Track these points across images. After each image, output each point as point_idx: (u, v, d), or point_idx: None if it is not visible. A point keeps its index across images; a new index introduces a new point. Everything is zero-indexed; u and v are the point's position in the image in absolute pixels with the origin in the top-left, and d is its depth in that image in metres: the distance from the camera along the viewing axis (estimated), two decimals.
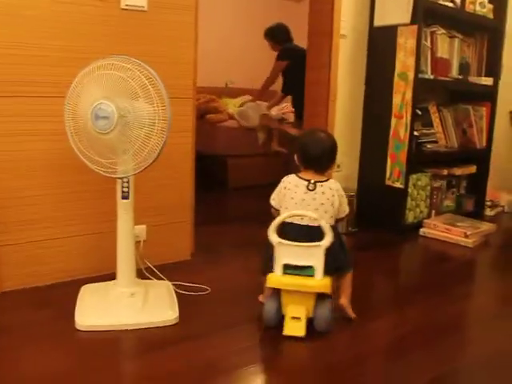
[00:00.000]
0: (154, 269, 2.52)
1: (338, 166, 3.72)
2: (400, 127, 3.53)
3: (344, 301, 2.25)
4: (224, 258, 2.95)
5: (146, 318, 2.10)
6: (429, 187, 3.82)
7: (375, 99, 3.71)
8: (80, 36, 2.36)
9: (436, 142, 3.87)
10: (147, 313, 2.13)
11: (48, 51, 2.30)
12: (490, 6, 3.95)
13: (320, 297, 2.10)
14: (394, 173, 3.59)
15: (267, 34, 4.94)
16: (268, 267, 2.13)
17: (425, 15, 3.46)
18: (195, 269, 2.74)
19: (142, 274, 2.41)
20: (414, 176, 3.66)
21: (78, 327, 2.03)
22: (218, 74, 6.06)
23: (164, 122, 1.96)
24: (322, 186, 2.18)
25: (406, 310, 2.43)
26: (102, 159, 2.00)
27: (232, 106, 5.79)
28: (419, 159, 3.67)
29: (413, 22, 3.41)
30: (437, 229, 3.59)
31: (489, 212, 4.33)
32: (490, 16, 3.97)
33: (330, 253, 2.08)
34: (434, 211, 3.89)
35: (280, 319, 2.12)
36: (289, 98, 5.12)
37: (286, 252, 2.07)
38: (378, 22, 3.63)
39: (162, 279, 2.46)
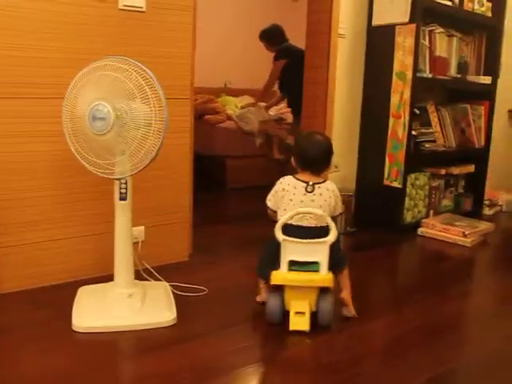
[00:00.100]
0: (152, 270, 2.52)
1: (336, 167, 3.71)
2: (398, 127, 3.53)
3: (345, 294, 2.29)
4: (222, 259, 2.95)
5: (144, 319, 2.10)
6: (427, 187, 3.82)
7: (373, 99, 3.71)
8: (79, 37, 2.36)
9: (434, 141, 3.86)
10: (145, 314, 2.13)
11: (48, 53, 2.30)
12: (489, 5, 3.95)
13: (322, 291, 2.15)
14: (392, 172, 3.59)
15: (262, 35, 4.95)
16: (265, 270, 2.19)
17: (423, 14, 3.46)
18: (193, 269, 2.74)
19: (139, 275, 2.41)
20: (412, 175, 3.66)
21: (75, 329, 2.03)
22: (217, 75, 6.06)
23: (161, 123, 1.96)
24: (319, 187, 2.21)
25: (404, 310, 2.44)
26: (100, 160, 2.00)
27: (232, 105, 5.78)
28: (417, 159, 3.67)
29: (411, 20, 3.41)
30: (435, 228, 3.59)
31: (487, 211, 4.34)
32: (489, 14, 3.98)
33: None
34: (432, 211, 3.89)
35: (283, 315, 2.15)
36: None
37: (292, 249, 2.12)
38: (376, 21, 3.63)
39: (160, 280, 2.46)
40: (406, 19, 3.43)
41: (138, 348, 2.00)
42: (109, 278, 2.24)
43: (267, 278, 2.19)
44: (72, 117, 2.02)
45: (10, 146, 2.28)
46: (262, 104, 5.34)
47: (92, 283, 2.38)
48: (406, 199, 3.63)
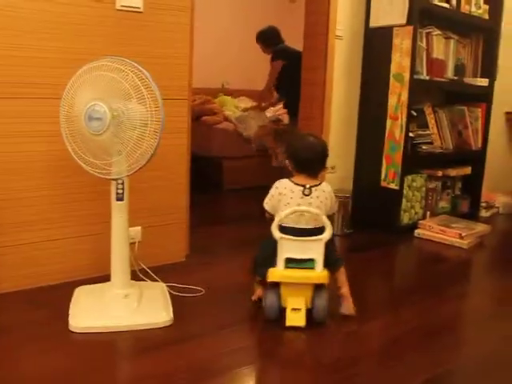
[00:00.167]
0: (149, 270, 2.51)
1: (333, 168, 3.72)
2: (395, 128, 3.53)
3: (345, 290, 2.32)
4: (218, 260, 2.95)
5: (140, 320, 2.10)
6: (424, 188, 3.82)
7: (371, 100, 3.72)
8: (77, 37, 2.36)
9: (431, 143, 3.87)
10: (141, 314, 2.13)
11: (47, 53, 2.30)
12: (486, 7, 3.96)
13: (317, 288, 2.19)
14: (389, 174, 3.60)
15: (259, 37, 4.96)
16: (261, 267, 2.24)
17: (420, 16, 3.47)
18: (189, 270, 2.74)
19: (136, 276, 2.41)
20: (409, 177, 3.67)
21: (71, 329, 2.03)
22: (215, 76, 6.06)
23: (157, 123, 1.97)
24: (316, 190, 2.24)
25: (401, 311, 2.44)
26: (97, 160, 2.00)
27: (230, 105, 5.76)
28: (414, 160, 3.68)
29: (408, 22, 3.42)
30: (432, 230, 3.59)
31: (484, 213, 4.34)
32: (486, 17, 3.99)
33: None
34: (429, 212, 3.89)
35: (280, 312, 2.19)
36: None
37: (288, 247, 2.17)
38: (373, 23, 3.64)
39: (157, 281, 2.45)
40: (404, 21, 3.44)
41: (135, 348, 2.00)
42: (105, 278, 2.24)
43: (263, 276, 2.23)
44: (69, 117, 2.03)
45: (9, 146, 2.28)
46: (264, 113, 5.32)
47: (89, 283, 2.38)
48: (403, 201, 3.63)
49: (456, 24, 3.91)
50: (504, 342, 2.20)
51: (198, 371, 1.83)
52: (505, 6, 4.09)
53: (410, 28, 3.41)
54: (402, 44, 3.46)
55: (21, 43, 2.24)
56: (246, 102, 5.92)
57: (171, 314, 2.15)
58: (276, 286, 2.19)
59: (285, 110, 5.07)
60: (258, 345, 2.12)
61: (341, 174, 3.79)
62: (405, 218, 3.69)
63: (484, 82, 4.06)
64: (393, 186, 3.58)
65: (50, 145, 2.34)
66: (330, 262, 2.23)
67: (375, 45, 3.66)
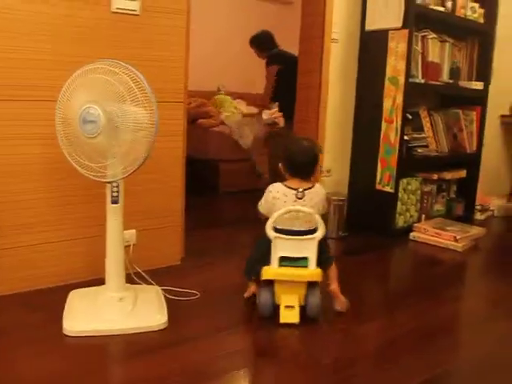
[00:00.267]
0: (144, 273, 2.51)
1: (329, 171, 3.73)
2: (390, 132, 3.54)
3: (334, 286, 2.37)
4: (214, 263, 2.95)
5: (135, 323, 2.09)
6: (419, 191, 3.83)
7: (366, 104, 3.72)
8: (73, 40, 2.36)
9: (426, 146, 3.88)
10: (136, 317, 2.12)
11: (44, 55, 2.30)
12: (481, 11, 3.97)
13: (310, 286, 2.25)
14: (384, 177, 3.60)
15: (253, 41, 4.94)
16: (255, 266, 2.30)
17: (416, 19, 3.48)
18: (185, 273, 2.73)
19: (131, 279, 2.40)
20: (405, 180, 3.67)
21: (66, 333, 2.02)
22: (211, 78, 6.05)
23: (152, 126, 1.96)
24: (309, 192, 2.29)
25: (397, 314, 2.44)
26: (92, 163, 2.00)
27: (229, 106, 5.69)
28: (409, 164, 3.68)
29: (404, 26, 3.43)
30: (427, 233, 3.60)
31: (479, 216, 4.36)
32: (481, 20, 3.99)
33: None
34: (424, 215, 3.90)
35: (274, 309, 2.23)
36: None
37: (282, 246, 2.23)
38: (369, 26, 3.64)
39: (152, 284, 2.45)
40: (399, 24, 3.45)
41: (129, 352, 1.99)
42: (100, 281, 2.23)
43: (257, 275, 2.27)
44: (64, 119, 2.02)
45: (6, 149, 2.28)
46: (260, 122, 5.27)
47: (83, 286, 2.37)
48: (398, 204, 3.64)
49: (451, 27, 3.92)
50: (499, 344, 2.21)
51: (193, 374, 1.83)
52: (500, 10, 4.09)
53: (406, 31, 3.42)
54: (397, 47, 3.47)
55: (17, 45, 2.24)
56: (241, 105, 5.90)
57: (166, 317, 2.15)
58: (270, 283, 2.24)
59: (280, 114, 5.06)
60: (253, 347, 2.12)
61: (336, 177, 3.80)
62: (400, 221, 3.70)
63: (479, 85, 4.07)
64: (388, 189, 3.59)
65: (46, 147, 2.33)
66: (321, 260, 2.28)
67: (371, 48, 3.66)
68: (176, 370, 1.84)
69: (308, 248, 2.23)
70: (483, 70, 4.17)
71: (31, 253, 2.40)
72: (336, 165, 3.78)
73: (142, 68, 2.01)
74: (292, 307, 2.21)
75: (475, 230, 3.70)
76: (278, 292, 2.24)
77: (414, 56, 3.62)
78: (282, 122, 5.05)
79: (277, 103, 5.07)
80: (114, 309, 2.14)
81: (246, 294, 2.43)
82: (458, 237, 3.46)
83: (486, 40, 4.13)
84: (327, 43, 3.56)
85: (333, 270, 2.39)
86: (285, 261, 2.23)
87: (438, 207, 4.10)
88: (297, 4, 4.03)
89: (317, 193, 2.32)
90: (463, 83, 4.05)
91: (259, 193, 2.40)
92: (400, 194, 3.64)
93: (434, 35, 3.81)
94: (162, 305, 2.25)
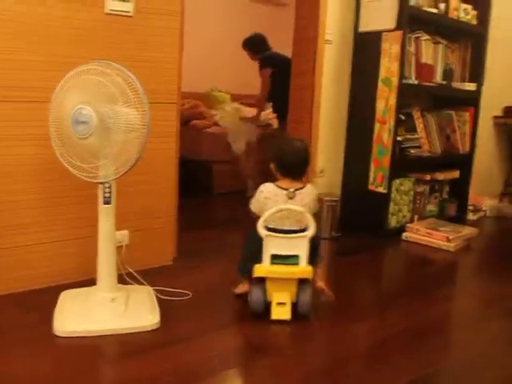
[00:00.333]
0: (136, 274, 2.51)
1: (322, 172, 3.74)
2: (383, 132, 3.55)
3: (321, 283, 2.43)
4: (206, 263, 2.95)
5: (127, 323, 2.10)
6: (412, 192, 3.85)
7: (359, 104, 3.73)
8: (67, 41, 2.36)
9: (419, 147, 3.89)
10: (128, 318, 2.13)
11: (37, 56, 2.30)
12: (474, 13, 3.99)
13: (301, 283, 2.28)
14: (377, 178, 3.61)
15: (245, 44, 4.96)
16: (247, 265, 2.34)
17: (409, 21, 3.49)
18: (177, 274, 2.74)
19: (123, 280, 2.40)
20: (397, 181, 3.69)
21: (56, 333, 2.02)
22: (205, 80, 6.05)
23: (143, 127, 1.97)
24: (300, 193, 2.33)
25: (388, 314, 2.45)
26: (84, 164, 2.00)
27: (223, 100, 5.62)
28: (402, 164, 3.70)
29: (397, 27, 3.44)
30: (419, 233, 3.61)
31: (471, 216, 4.37)
32: (474, 22, 4.01)
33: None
34: (416, 216, 3.92)
35: (265, 306, 2.26)
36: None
37: (274, 244, 2.26)
38: (362, 28, 3.65)
39: (144, 284, 2.45)
40: (393, 26, 3.46)
41: (121, 352, 2.00)
42: (92, 281, 2.23)
43: (249, 273, 2.31)
44: (57, 120, 2.03)
45: (1, 150, 2.28)
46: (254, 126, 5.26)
47: (76, 287, 2.37)
48: (391, 204, 3.65)
49: (445, 29, 3.94)
50: (491, 343, 2.22)
51: (185, 374, 1.83)
52: (493, 12, 4.11)
53: (399, 33, 3.43)
54: (390, 49, 3.48)
55: (13, 47, 2.24)
56: (241, 109, 5.85)
57: (158, 318, 2.15)
58: (262, 281, 2.28)
59: (274, 115, 5.08)
60: (244, 347, 2.12)
61: (329, 177, 3.81)
62: (393, 222, 3.71)
63: (472, 86, 4.09)
64: (381, 189, 3.60)
65: (39, 148, 2.33)
66: (311, 258, 2.31)
67: (364, 49, 3.67)
68: (168, 370, 1.85)
69: (299, 246, 2.27)
70: (476, 72, 4.19)
71: (26, 253, 2.40)
72: (329, 165, 3.79)
73: (136, 69, 2.02)
74: (284, 304, 2.25)
75: (467, 231, 3.72)
76: (269, 289, 2.27)
77: (408, 57, 3.63)
78: (275, 123, 5.08)
79: (270, 104, 5.10)
80: (105, 309, 2.15)
81: (237, 290, 2.45)
82: (450, 237, 3.48)
83: (479, 41, 4.15)
84: (321, 44, 3.57)
85: (319, 269, 2.43)
86: (276, 259, 2.26)
87: (431, 207, 4.12)
88: (291, 6, 4.04)
89: (308, 193, 2.36)
90: (456, 84, 4.07)
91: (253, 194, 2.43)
92: (393, 195, 3.65)
93: (428, 37, 3.83)
94: (154, 305, 2.25)
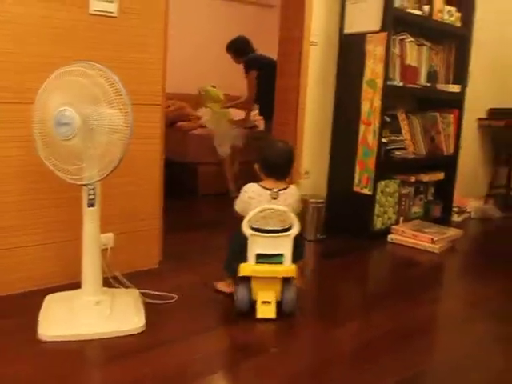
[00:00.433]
0: (121, 277, 2.49)
1: (307, 173, 3.74)
2: (368, 134, 3.56)
3: (300, 282, 2.48)
4: (192, 266, 2.93)
5: (112, 327, 2.08)
6: (397, 194, 3.86)
7: (344, 106, 3.74)
8: (51, 41, 2.33)
9: (404, 148, 3.90)
10: (113, 321, 2.11)
11: (20, 57, 2.27)
12: (458, 15, 4.01)
13: (286, 282, 2.32)
14: (362, 179, 3.62)
15: (229, 47, 4.96)
16: (231, 266, 2.39)
17: (394, 23, 3.50)
18: (162, 277, 2.72)
19: (108, 283, 2.38)
20: (383, 182, 3.70)
21: (40, 338, 2.00)
22: (191, 81, 6.03)
23: (127, 128, 1.95)
24: (284, 193, 2.37)
25: (373, 315, 2.46)
26: (67, 166, 1.99)
27: (218, 102, 5.52)
28: (387, 166, 3.71)
29: (382, 29, 3.45)
30: (404, 235, 3.63)
31: (456, 218, 4.40)
32: (458, 24, 4.04)
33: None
34: (402, 217, 3.93)
35: (251, 305, 2.30)
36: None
37: (259, 243, 2.30)
38: (347, 30, 3.66)
39: (129, 287, 2.43)
40: (377, 28, 3.47)
41: (106, 356, 1.98)
42: (77, 285, 2.21)
43: (234, 272, 2.34)
44: (41, 122, 2.01)
45: None
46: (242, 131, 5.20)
47: (60, 290, 2.35)
48: (376, 206, 3.66)
49: (429, 31, 3.96)
50: (476, 345, 2.23)
51: (170, 378, 1.82)
52: (477, 14, 4.14)
53: (384, 34, 3.44)
54: (375, 50, 3.49)
55: None
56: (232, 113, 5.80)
57: (144, 321, 2.14)
58: (247, 280, 2.31)
59: (260, 117, 5.07)
60: (230, 348, 2.12)
61: (314, 179, 3.81)
62: (378, 223, 3.72)
63: (456, 88, 4.12)
64: (366, 191, 3.61)
65: (20, 150, 2.30)
66: (294, 255, 2.34)
67: (349, 51, 3.68)
68: (153, 374, 1.83)
69: (283, 245, 2.31)
70: (460, 74, 4.22)
71: (8, 257, 2.37)
72: (314, 167, 3.79)
73: (120, 70, 2.00)
74: (268, 303, 2.28)
75: (452, 232, 3.74)
76: (254, 288, 2.30)
77: (392, 59, 3.65)
78: (261, 124, 5.08)
79: (256, 106, 5.09)
80: (90, 313, 2.13)
81: (219, 286, 2.55)
82: (435, 238, 3.49)
83: (463, 43, 4.17)
84: (306, 46, 3.58)
85: (300, 267, 2.45)
86: (261, 258, 2.30)
87: (416, 209, 4.13)
88: (278, 7, 4.03)
89: (291, 194, 2.41)
90: (441, 86, 4.09)
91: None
92: (378, 197, 3.66)
93: (412, 39, 3.84)
94: (140, 308, 2.23)
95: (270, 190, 2.36)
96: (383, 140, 3.63)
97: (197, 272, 2.83)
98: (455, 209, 4.43)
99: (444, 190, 4.32)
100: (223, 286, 2.54)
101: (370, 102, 3.53)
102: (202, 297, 2.51)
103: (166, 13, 2.68)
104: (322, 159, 3.84)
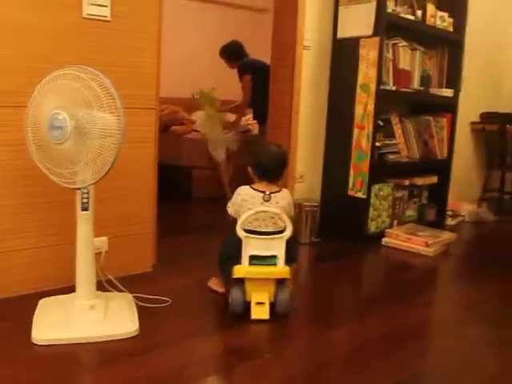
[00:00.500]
0: (115, 281, 2.49)
1: (301, 177, 3.75)
2: (362, 138, 3.57)
3: (292, 284, 2.49)
4: (186, 269, 2.93)
5: (106, 331, 2.07)
6: (391, 197, 3.87)
7: (338, 110, 3.75)
8: (44, 45, 2.33)
9: (398, 152, 3.92)
10: (107, 325, 2.11)
11: (12, 60, 2.27)
12: (450, 20, 4.04)
13: (279, 283, 2.34)
14: (356, 183, 3.63)
15: (223, 52, 4.97)
16: (225, 268, 2.42)
17: (387, 28, 3.52)
18: (156, 280, 2.73)
19: (102, 286, 2.37)
20: (376, 186, 3.70)
21: (34, 341, 1.99)
22: (186, 85, 6.03)
23: (119, 132, 1.95)
24: (276, 196, 2.40)
25: (368, 319, 2.46)
26: (61, 170, 1.99)
27: (215, 105, 5.48)
28: (381, 170, 3.72)
29: (375, 34, 3.46)
30: (398, 238, 3.63)
31: (450, 221, 4.41)
32: (450, 29, 4.06)
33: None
34: (396, 221, 3.94)
35: (245, 306, 2.31)
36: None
37: (253, 245, 2.32)
38: (341, 34, 3.68)
39: (123, 291, 2.43)
40: (370, 32, 3.49)
41: (100, 360, 1.97)
42: (72, 288, 2.20)
43: (228, 274, 2.37)
44: (35, 126, 2.01)
45: None
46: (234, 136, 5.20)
47: (54, 294, 2.34)
48: (370, 209, 3.67)
49: (422, 36, 3.98)
50: (470, 348, 2.23)
51: (164, 381, 1.82)
52: (469, 20, 4.16)
53: (377, 39, 3.46)
54: (368, 55, 3.50)
55: None
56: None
57: (137, 325, 2.14)
58: (241, 281, 2.33)
59: (254, 121, 5.08)
60: (224, 351, 2.11)
61: (309, 183, 3.82)
62: (372, 227, 3.73)
63: (449, 92, 4.14)
64: (360, 194, 3.61)
65: (16, 154, 2.29)
66: (288, 257, 2.36)
67: (342, 55, 3.70)
68: (147, 378, 1.83)
69: (277, 247, 2.33)
70: (453, 78, 4.24)
71: (2, 261, 2.37)
72: (308, 171, 3.80)
73: (113, 74, 2.01)
74: (262, 304, 2.30)
75: (446, 235, 3.75)
76: (248, 289, 2.32)
77: (385, 63, 3.66)
78: (255, 128, 5.08)
79: (251, 110, 5.10)
80: (84, 317, 2.12)
81: (212, 285, 2.62)
82: (429, 242, 3.50)
83: (456, 48, 4.20)
84: (299, 50, 3.59)
85: (293, 270, 2.45)
86: (254, 259, 2.32)
87: (410, 213, 4.14)
88: (272, 12, 4.03)
89: (283, 197, 2.44)
90: (434, 90, 4.11)
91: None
92: (372, 200, 3.67)
93: (405, 43, 3.86)
94: (134, 312, 2.23)
95: (262, 192, 2.39)
96: (377, 144, 3.64)
97: (191, 275, 2.83)
98: (449, 212, 4.44)
99: (438, 194, 4.33)
100: (216, 285, 2.59)
101: (364, 106, 3.54)
102: (196, 300, 2.51)
103: (159, 17, 2.69)
104: (316, 163, 3.85)
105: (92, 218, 2.13)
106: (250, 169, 2.49)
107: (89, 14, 2.44)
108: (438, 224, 4.20)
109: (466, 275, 3.24)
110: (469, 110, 4.75)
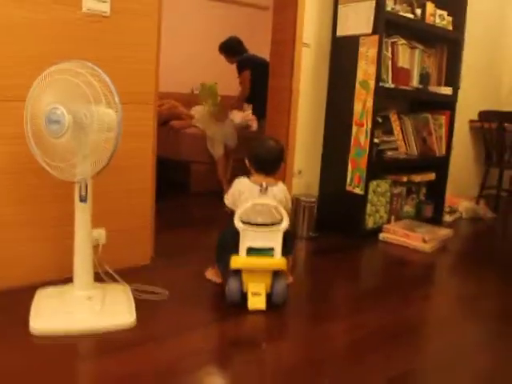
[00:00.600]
0: (112, 272, 2.50)
1: (300, 172, 3.77)
2: (361, 134, 3.59)
3: (288, 276, 2.59)
4: (183, 262, 2.95)
5: (103, 322, 2.10)
6: (389, 193, 3.89)
7: (337, 107, 3.77)
8: (43, 40, 2.35)
9: (396, 149, 3.93)
10: (104, 316, 2.13)
11: (8, 55, 2.29)
12: (449, 19, 4.04)
13: (276, 274, 2.40)
14: (354, 179, 3.65)
15: (222, 48, 5.00)
16: (222, 259, 2.47)
17: (386, 26, 3.52)
18: (154, 273, 2.74)
19: (100, 278, 2.39)
20: (374, 182, 3.72)
21: (32, 332, 2.01)
22: (186, 81, 6.06)
23: (116, 126, 1.97)
24: (273, 189, 2.45)
25: (364, 313, 2.47)
26: (59, 163, 2.01)
27: (215, 99, 5.48)
28: (379, 166, 3.74)
29: (374, 32, 3.47)
30: (396, 234, 3.65)
31: (447, 218, 4.43)
32: (450, 28, 4.07)
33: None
34: (393, 217, 3.96)
35: (242, 296, 2.37)
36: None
37: (250, 237, 2.37)
38: (340, 32, 3.69)
39: (121, 283, 2.45)
40: (369, 31, 3.49)
41: (97, 350, 2.00)
42: (70, 280, 2.23)
43: (225, 266, 2.41)
44: (32, 119, 2.03)
45: None
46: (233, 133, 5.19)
47: (51, 286, 2.36)
48: (368, 205, 3.69)
49: (421, 34, 3.99)
50: (467, 343, 2.25)
51: (161, 372, 1.84)
52: (468, 18, 4.17)
53: (376, 37, 3.47)
54: (367, 52, 3.52)
55: None
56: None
57: (134, 316, 2.16)
58: (238, 272, 2.38)
59: (253, 117, 5.10)
60: (221, 343, 2.14)
61: (307, 178, 3.84)
62: (370, 222, 3.75)
63: (448, 90, 4.14)
64: (358, 190, 3.63)
65: (15, 147, 2.31)
66: (284, 249, 2.41)
67: (342, 53, 3.71)
68: (145, 369, 1.85)
69: (274, 239, 2.38)
70: (452, 76, 4.24)
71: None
72: (307, 166, 3.82)
73: (112, 69, 2.02)
74: (259, 294, 2.36)
75: (443, 232, 3.77)
76: (245, 280, 2.38)
77: (384, 61, 3.67)
78: (255, 124, 5.10)
79: (250, 106, 5.12)
80: (82, 307, 2.15)
81: (208, 275, 2.69)
82: (426, 238, 3.52)
83: (455, 47, 4.20)
84: (298, 47, 3.60)
85: (289, 262, 2.52)
86: (251, 251, 2.37)
87: (408, 209, 4.16)
88: (271, 9, 4.05)
89: (279, 190, 2.50)
90: (433, 88, 4.12)
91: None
92: (370, 196, 3.68)
93: (404, 41, 3.87)
94: (131, 303, 2.25)
95: (259, 184, 2.44)
96: (375, 140, 3.65)
97: (188, 268, 2.85)
98: (447, 209, 4.46)
99: (436, 191, 4.35)
100: (213, 276, 2.66)
101: (363, 102, 3.56)
102: (194, 292, 2.54)
103: (159, 13, 2.70)
104: (315, 159, 3.87)
105: (90, 210, 2.16)
106: (247, 161, 2.55)
107: (88, 9, 2.45)
108: (436, 220, 4.22)
109: (462, 271, 3.26)
110: (467, 108, 4.76)
